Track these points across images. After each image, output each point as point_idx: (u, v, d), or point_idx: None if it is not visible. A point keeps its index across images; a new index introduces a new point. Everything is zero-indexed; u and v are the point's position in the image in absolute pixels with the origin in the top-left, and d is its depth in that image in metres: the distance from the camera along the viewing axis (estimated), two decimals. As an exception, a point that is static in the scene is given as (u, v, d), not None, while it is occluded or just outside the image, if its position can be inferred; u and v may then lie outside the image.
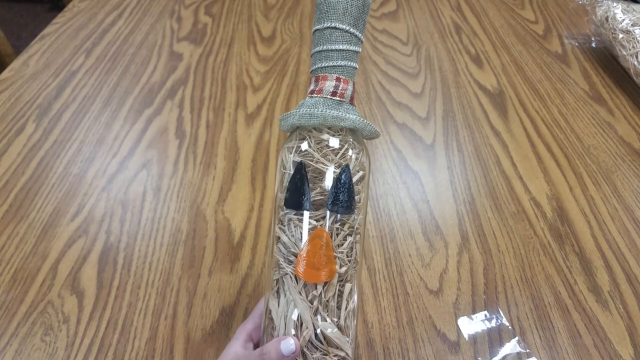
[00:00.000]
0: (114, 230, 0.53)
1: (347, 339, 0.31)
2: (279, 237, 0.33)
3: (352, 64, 0.34)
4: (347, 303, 0.32)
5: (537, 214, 0.55)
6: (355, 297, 0.33)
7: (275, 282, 0.33)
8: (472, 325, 0.45)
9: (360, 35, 0.33)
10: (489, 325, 0.45)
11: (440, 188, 0.58)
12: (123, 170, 0.60)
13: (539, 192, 0.57)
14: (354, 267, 0.33)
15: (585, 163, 0.61)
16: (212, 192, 0.57)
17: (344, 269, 0.32)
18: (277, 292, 0.32)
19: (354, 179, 0.33)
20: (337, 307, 0.31)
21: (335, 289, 0.31)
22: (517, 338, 0.44)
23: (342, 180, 0.32)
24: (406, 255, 0.51)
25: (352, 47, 0.33)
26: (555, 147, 0.63)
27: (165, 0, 0.95)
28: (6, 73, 0.76)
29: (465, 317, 0.46)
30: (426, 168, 0.60)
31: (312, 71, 0.34)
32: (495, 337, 0.44)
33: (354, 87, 0.34)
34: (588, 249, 0.51)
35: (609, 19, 0.73)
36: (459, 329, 0.45)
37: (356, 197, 0.33)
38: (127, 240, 0.52)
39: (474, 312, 0.46)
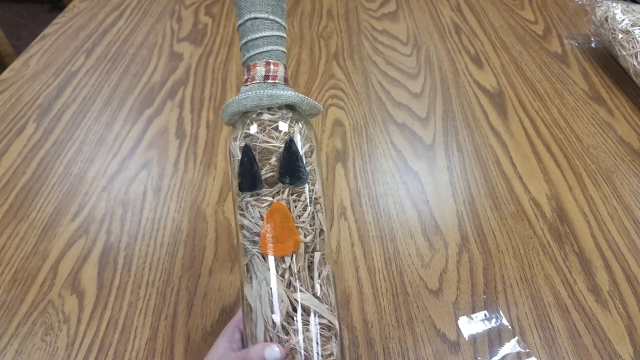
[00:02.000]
0: (114, 230, 0.53)
1: (326, 306, 0.32)
2: (242, 224, 0.33)
3: (279, 48, 0.35)
4: (320, 271, 0.32)
5: (536, 214, 0.55)
6: (329, 266, 0.33)
7: (245, 268, 0.33)
8: (471, 325, 0.45)
9: (280, 20, 0.35)
10: (488, 325, 0.45)
11: (440, 188, 0.58)
12: (123, 170, 0.60)
13: (538, 192, 0.57)
14: (321, 237, 0.33)
15: (585, 163, 0.61)
16: (212, 192, 0.57)
17: (309, 237, 0.32)
18: (250, 277, 0.32)
19: (303, 151, 0.33)
20: (310, 276, 0.32)
21: (305, 259, 0.32)
22: (516, 338, 0.44)
23: (289, 152, 0.32)
24: (406, 255, 0.51)
25: (275, 33, 0.34)
26: (554, 147, 0.63)
27: (165, 1, 0.95)
28: (6, 73, 0.76)
29: (465, 317, 0.46)
30: (426, 168, 0.60)
31: (243, 63, 0.36)
32: (495, 337, 0.44)
33: (285, 69, 0.35)
34: (587, 248, 0.51)
35: (609, 19, 0.73)
36: (459, 328, 0.45)
37: (307, 168, 0.33)
38: (127, 240, 0.52)
39: (474, 312, 0.46)
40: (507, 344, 0.44)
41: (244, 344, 0.33)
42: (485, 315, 0.46)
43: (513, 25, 0.87)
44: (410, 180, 0.59)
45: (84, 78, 0.75)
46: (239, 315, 0.36)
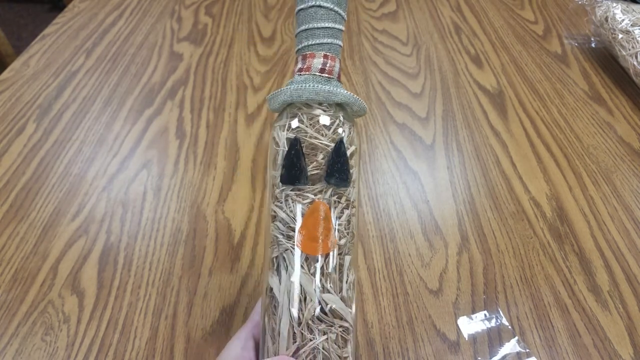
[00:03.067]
0: (114, 230, 0.53)
1: (350, 310, 0.32)
2: (275, 215, 0.33)
3: (337, 41, 0.34)
4: (348, 275, 0.32)
5: (536, 214, 0.55)
6: (354, 271, 0.33)
7: (274, 260, 0.33)
8: (471, 325, 0.45)
9: (343, 13, 0.34)
10: (488, 325, 0.45)
11: (440, 188, 0.58)
12: (123, 170, 0.60)
13: (538, 192, 0.57)
14: (352, 240, 0.33)
15: (585, 163, 0.61)
16: (212, 192, 0.57)
17: (343, 240, 0.32)
18: (277, 269, 0.32)
19: (348, 153, 0.33)
20: (339, 279, 0.32)
21: (336, 261, 0.32)
22: (516, 338, 0.44)
23: (338, 153, 0.32)
24: (406, 255, 0.51)
25: (337, 25, 0.34)
26: (554, 147, 0.63)
27: (165, 1, 0.95)
28: (6, 73, 0.76)
29: (465, 316, 0.46)
30: (426, 168, 0.60)
31: (298, 50, 0.35)
32: (495, 337, 0.44)
33: (340, 65, 0.35)
34: (587, 248, 0.51)
35: (609, 19, 0.73)
36: (459, 328, 0.45)
37: (351, 171, 0.33)
38: (127, 240, 0.52)
39: (474, 311, 0.46)
40: (507, 344, 0.44)
41: (257, 354, 0.33)
42: (485, 315, 0.46)
43: (513, 25, 0.87)
44: (410, 180, 0.59)
45: (84, 78, 0.75)
46: (253, 319, 0.35)
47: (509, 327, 0.45)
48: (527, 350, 0.43)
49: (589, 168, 0.60)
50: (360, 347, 0.43)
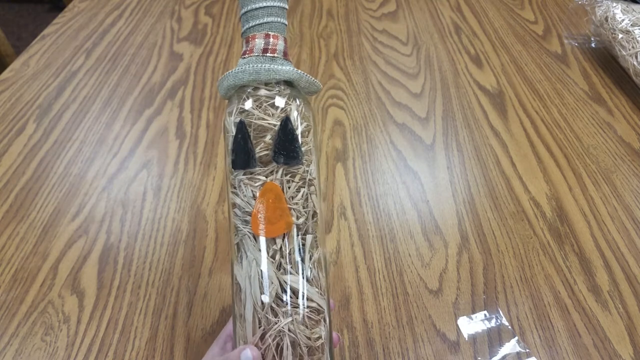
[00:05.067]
0: (114, 230, 0.53)
1: (316, 289, 0.31)
2: (234, 202, 0.33)
3: (279, 19, 0.34)
4: (312, 254, 0.32)
5: (536, 214, 0.55)
6: (321, 249, 0.33)
7: (236, 247, 0.33)
8: (471, 325, 0.45)
9: None
10: (488, 325, 0.45)
11: (439, 188, 0.58)
12: (123, 171, 0.60)
13: (538, 192, 0.57)
14: (314, 219, 0.33)
15: (585, 163, 0.61)
16: (212, 192, 0.57)
17: (301, 220, 0.32)
18: (240, 257, 0.32)
19: (299, 130, 0.33)
20: (301, 259, 0.31)
21: (296, 241, 0.31)
22: (516, 338, 0.44)
23: (285, 131, 0.32)
24: (406, 255, 0.51)
25: (276, 3, 0.33)
26: (554, 147, 0.63)
27: (165, 1, 0.95)
28: (6, 73, 0.76)
29: (464, 316, 0.46)
30: (426, 168, 0.60)
31: (242, 34, 0.35)
32: (494, 337, 0.44)
33: (285, 43, 0.34)
34: (587, 248, 0.51)
35: (609, 19, 0.73)
36: (459, 328, 0.45)
37: (303, 148, 0.33)
38: (127, 240, 0.52)
39: (474, 311, 0.46)
40: (507, 344, 0.44)
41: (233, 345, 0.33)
42: (485, 315, 0.46)
43: (513, 25, 0.87)
44: (410, 180, 0.59)
45: (84, 78, 0.75)
46: (229, 323, 0.35)
47: (509, 327, 0.45)
48: (527, 350, 0.43)
49: (589, 168, 0.60)
50: (360, 347, 0.44)
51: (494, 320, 0.45)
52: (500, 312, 0.46)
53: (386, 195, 0.57)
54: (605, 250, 0.51)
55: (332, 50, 0.81)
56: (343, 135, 0.65)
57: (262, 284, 0.30)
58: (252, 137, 0.32)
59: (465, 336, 0.44)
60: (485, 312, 0.46)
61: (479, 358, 0.43)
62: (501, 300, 0.47)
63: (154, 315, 0.46)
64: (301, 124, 0.33)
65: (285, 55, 0.34)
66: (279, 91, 0.33)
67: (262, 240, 0.31)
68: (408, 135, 0.65)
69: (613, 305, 0.46)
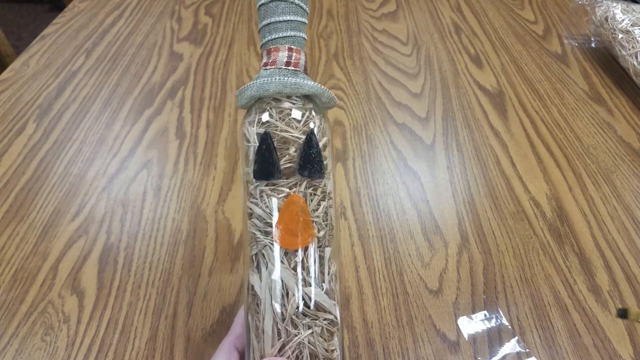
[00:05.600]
0: (114, 230, 0.53)
1: (333, 302, 0.31)
2: (251, 212, 0.33)
3: (301, 34, 0.34)
4: (330, 267, 0.32)
5: (536, 214, 0.55)
6: (335, 263, 0.33)
7: (253, 257, 0.33)
8: (471, 325, 0.45)
9: (304, 6, 0.34)
10: (488, 325, 0.45)
11: (439, 188, 0.58)
12: (123, 171, 0.60)
13: (538, 192, 0.57)
14: (331, 232, 0.33)
15: (585, 163, 0.61)
16: (212, 192, 0.57)
17: (322, 232, 0.32)
18: (257, 266, 0.32)
19: (320, 144, 0.33)
20: (320, 272, 0.31)
21: (316, 253, 0.32)
22: (516, 338, 0.44)
23: (310, 144, 0.32)
24: (406, 255, 0.51)
25: (299, 18, 0.34)
26: (554, 147, 0.63)
27: (165, 1, 0.95)
28: (6, 73, 0.76)
29: (465, 316, 0.46)
30: (426, 168, 0.60)
31: (262, 45, 0.35)
32: (494, 337, 0.44)
33: (306, 57, 0.35)
34: (587, 248, 0.51)
35: (609, 19, 0.73)
36: (459, 328, 0.45)
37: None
38: (127, 240, 0.52)
39: (474, 311, 0.46)
40: (507, 344, 0.44)
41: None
42: (485, 315, 0.46)
43: (513, 25, 0.87)
44: (410, 180, 0.59)
45: (84, 78, 0.75)
46: (235, 331, 0.35)
47: (509, 327, 0.45)
48: (527, 350, 0.43)
49: (589, 168, 0.60)
50: (360, 347, 0.44)
51: (494, 320, 0.45)
52: (500, 312, 0.46)
53: (386, 195, 0.57)
54: (605, 250, 0.51)
55: (332, 50, 0.81)
56: (343, 135, 0.65)
57: (283, 295, 0.30)
58: (276, 149, 0.32)
59: (465, 336, 0.44)
60: (485, 312, 0.46)
61: (479, 358, 0.43)
62: (501, 300, 0.47)
63: (154, 315, 0.46)
64: (322, 138, 0.34)
65: (305, 70, 0.34)
66: (302, 105, 0.34)
67: (284, 251, 0.31)
68: (408, 135, 0.65)
69: (613, 305, 0.46)
